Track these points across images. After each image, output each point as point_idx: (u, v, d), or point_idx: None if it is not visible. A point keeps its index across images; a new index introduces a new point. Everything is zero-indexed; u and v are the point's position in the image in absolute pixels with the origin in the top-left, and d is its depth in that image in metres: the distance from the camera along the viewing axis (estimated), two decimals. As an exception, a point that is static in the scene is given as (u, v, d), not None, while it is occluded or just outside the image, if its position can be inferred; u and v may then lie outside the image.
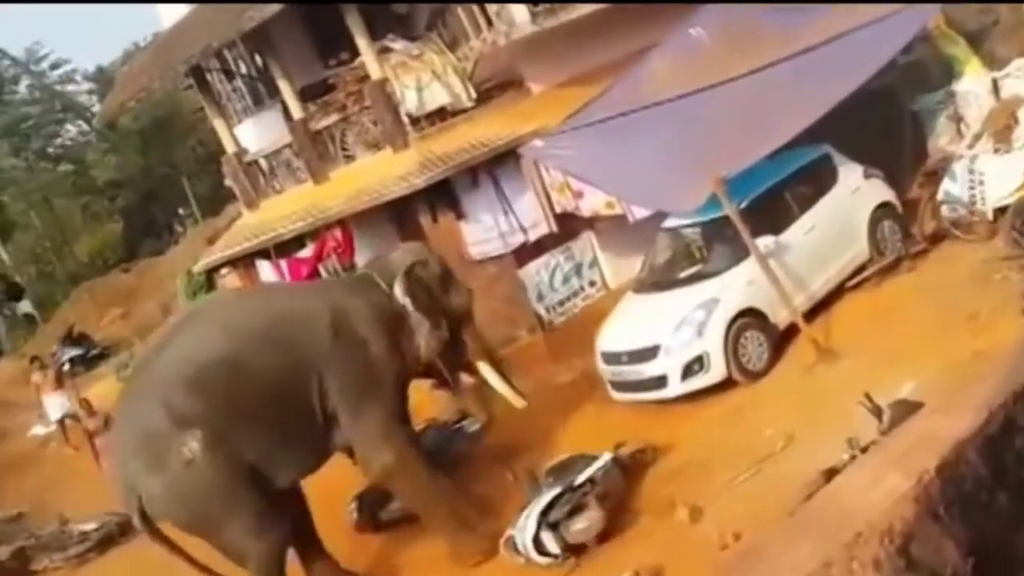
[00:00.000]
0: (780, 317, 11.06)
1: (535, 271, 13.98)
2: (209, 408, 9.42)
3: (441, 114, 14.08)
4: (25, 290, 33.43)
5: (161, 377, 9.65)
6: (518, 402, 11.20)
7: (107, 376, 22.51)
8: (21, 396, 24.96)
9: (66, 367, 26.69)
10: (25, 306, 32.64)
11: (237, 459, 9.43)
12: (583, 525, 9.44)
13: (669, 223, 12.17)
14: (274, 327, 9.95)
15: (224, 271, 18.91)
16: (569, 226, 13.85)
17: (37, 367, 20.75)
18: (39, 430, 21.96)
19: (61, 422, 19.31)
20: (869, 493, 4.67)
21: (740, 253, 11.14)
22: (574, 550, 9.44)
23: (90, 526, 14.78)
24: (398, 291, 10.40)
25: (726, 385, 10.96)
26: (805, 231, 11.48)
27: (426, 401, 13.67)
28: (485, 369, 11.16)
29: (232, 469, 9.40)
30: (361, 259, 15.94)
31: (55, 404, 19.35)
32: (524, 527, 9.51)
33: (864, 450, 7.57)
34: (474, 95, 14.09)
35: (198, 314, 10.76)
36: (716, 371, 10.90)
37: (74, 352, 27.01)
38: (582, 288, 14.30)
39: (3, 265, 36.73)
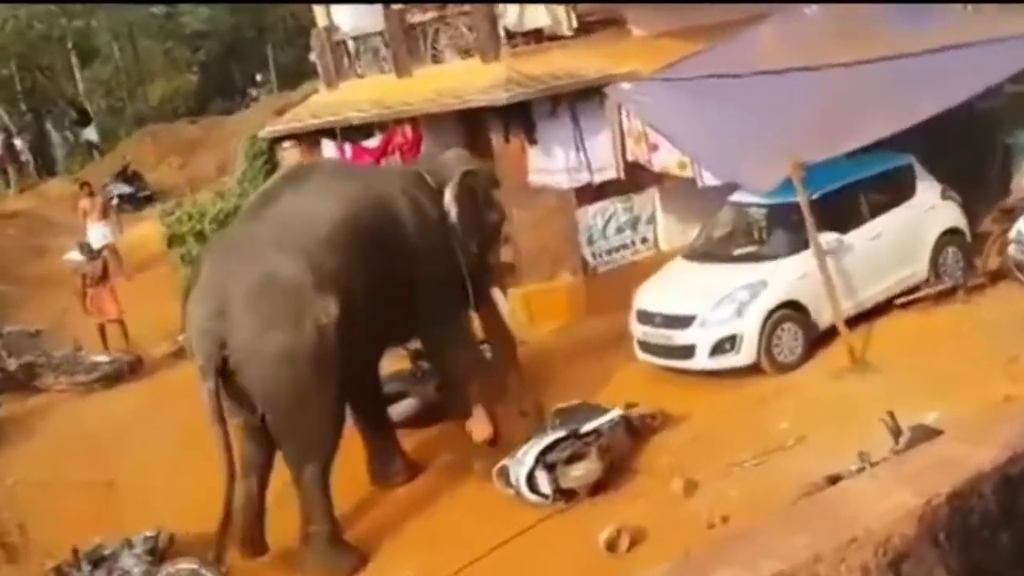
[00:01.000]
0: (823, 317, 10.86)
1: (591, 214, 13.80)
2: (344, 273, 9.04)
3: (537, 35, 13.85)
4: (92, 119, 33.58)
5: (296, 234, 9.08)
6: (520, 333, 11.38)
7: (151, 219, 22.63)
8: (65, 218, 25.29)
9: (114, 202, 27.02)
10: (90, 133, 32.75)
11: (354, 334, 9.03)
12: (579, 472, 9.45)
13: (736, 197, 11.96)
14: (377, 204, 9.77)
15: (287, 144, 18.89)
16: (636, 177, 13.62)
17: (86, 193, 20.66)
18: (75, 255, 22.19)
19: (99, 251, 19.32)
20: (875, 502, 4.57)
21: (799, 243, 10.95)
22: (564, 495, 9.47)
23: (102, 358, 14.97)
24: (448, 196, 10.27)
25: (752, 371, 10.82)
26: (870, 237, 11.26)
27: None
28: (499, 296, 11.10)
29: (348, 344, 9.01)
30: (424, 164, 15.95)
31: (98, 233, 19.31)
32: (521, 461, 9.53)
33: (874, 465, 7.48)
34: (575, 24, 13.84)
35: (299, 177, 10.02)
36: (746, 354, 10.75)
37: (125, 189, 27.17)
38: (633, 243, 14.11)
39: (75, 90, 36.96)
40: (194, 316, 8.98)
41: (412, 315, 9.84)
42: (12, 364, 15.21)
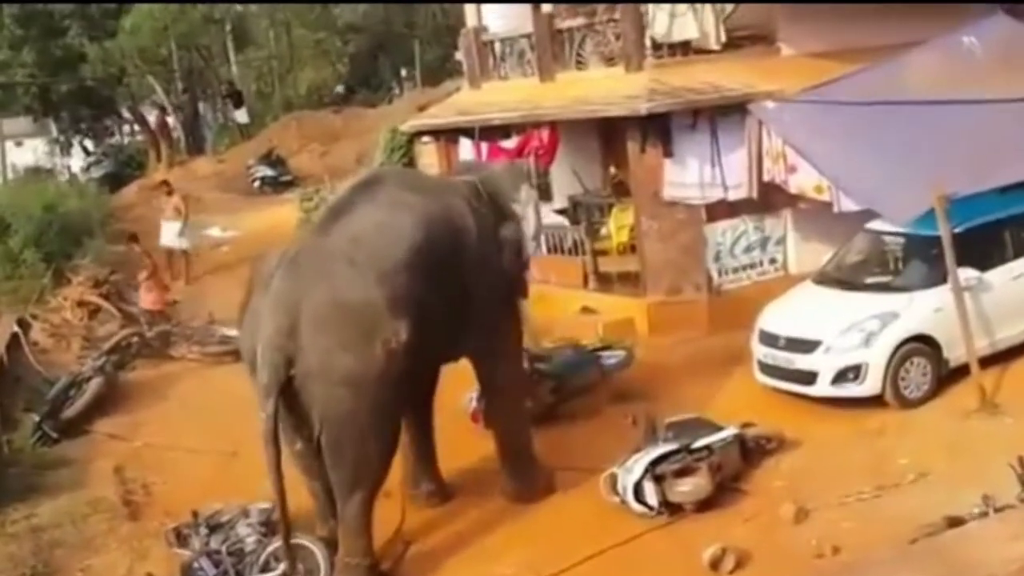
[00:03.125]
0: (955, 354, 10.56)
1: (720, 231, 13.69)
2: (415, 293, 8.82)
3: (684, 48, 13.78)
4: (244, 102, 34.67)
5: (370, 252, 8.86)
6: (537, 345, 11.34)
7: (290, 203, 23.29)
8: (208, 194, 26.24)
9: (256, 184, 27.87)
10: (241, 116, 33.77)
11: (419, 355, 8.85)
12: (687, 488, 9.40)
13: (874, 225, 11.72)
14: (446, 218, 9.53)
15: (426, 139, 19.23)
16: (770, 197, 13.46)
17: (165, 191, 20.52)
18: (215, 232, 23.00)
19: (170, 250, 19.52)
20: (1001, 548, 4.43)
21: (936, 277, 10.67)
22: (670, 508, 9.42)
23: (232, 332, 15.40)
24: (531, 216, 10.14)
25: (875, 402, 10.58)
26: (1012, 276, 10.90)
27: (572, 323, 13.79)
28: (524, 307, 10.85)
29: (413, 367, 8.91)
30: (560, 170, 16.05)
31: (172, 231, 19.51)
32: (630, 470, 9.50)
33: (998, 510, 7.26)
34: (723, 39, 13.73)
35: (370, 189, 9.63)
36: (870, 385, 10.53)
37: (267, 172, 28.01)
38: (761, 263, 13.94)
39: (229, 73, 38.20)
40: (264, 331, 8.65)
41: (469, 330, 9.60)
42: (149, 331, 15.90)
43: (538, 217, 10.41)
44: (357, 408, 8.61)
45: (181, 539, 9.50)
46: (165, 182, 21.10)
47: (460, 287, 9.32)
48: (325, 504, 9.14)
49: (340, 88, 35.84)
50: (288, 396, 8.55)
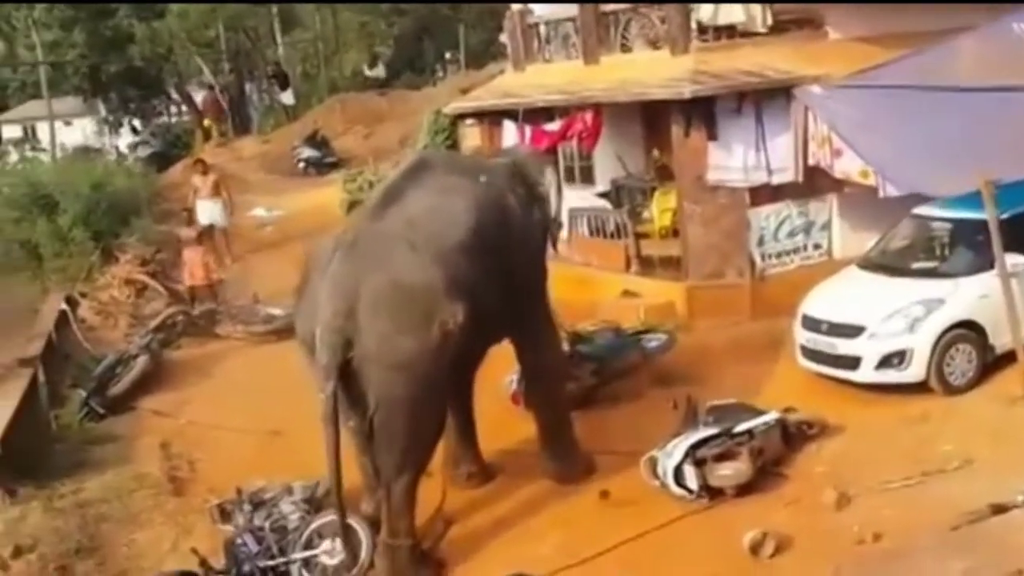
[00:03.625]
0: (1000, 341, 10.44)
1: (764, 215, 13.58)
2: (470, 275, 8.93)
3: (730, 31, 13.64)
4: (290, 83, 34.86)
5: (427, 235, 8.96)
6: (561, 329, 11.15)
7: (334, 184, 23.43)
8: (253, 174, 26.46)
9: (301, 165, 28.05)
10: (287, 97, 33.90)
11: (470, 342, 9.00)
12: (728, 472, 9.41)
13: (920, 210, 11.62)
14: (493, 201, 9.62)
15: (469, 121, 19.26)
16: (815, 182, 13.33)
17: (200, 171, 20.09)
18: (260, 212, 23.20)
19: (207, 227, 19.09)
20: (1047, 536, 4.38)
21: (983, 263, 10.54)
22: (711, 492, 9.43)
23: (277, 311, 15.58)
24: (554, 199, 10.25)
25: (919, 389, 10.50)
26: (1060, 263, 10.75)
27: (613, 306, 13.79)
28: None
29: (476, 351, 9.29)
30: (603, 153, 16.01)
31: (207, 210, 19.25)
32: (670, 453, 9.52)
33: (1042, 498, 7.22)
34: (770, 22, 13.59)
35: (420, 173, 9.70)
36: (914, 371, 10.45)
37: (312, 153, 28.16)
38: (805, 247, 13.82)
39: (276, 55, 38.42)
40: (323, 314, 8.72)
41: (513, 312, 9.65)
42: (195, 310, 16.10)
43: (560, 201, 10.44)
44: (412, 390, 8.69)
45: (225, 515, 9.64)
46: (200, 160, 20.89)
47: (506, 269, 9.38)
48: (374, 481, 9.25)
49: (374, 70, 35.79)
50: (345, 377, 8.62)
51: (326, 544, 9.00)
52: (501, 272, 9.30)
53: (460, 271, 8.88)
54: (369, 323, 8.60)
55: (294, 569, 9.02)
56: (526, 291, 9.78)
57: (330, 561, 9.01)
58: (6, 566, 9.49)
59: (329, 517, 9.14)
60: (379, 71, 35.94)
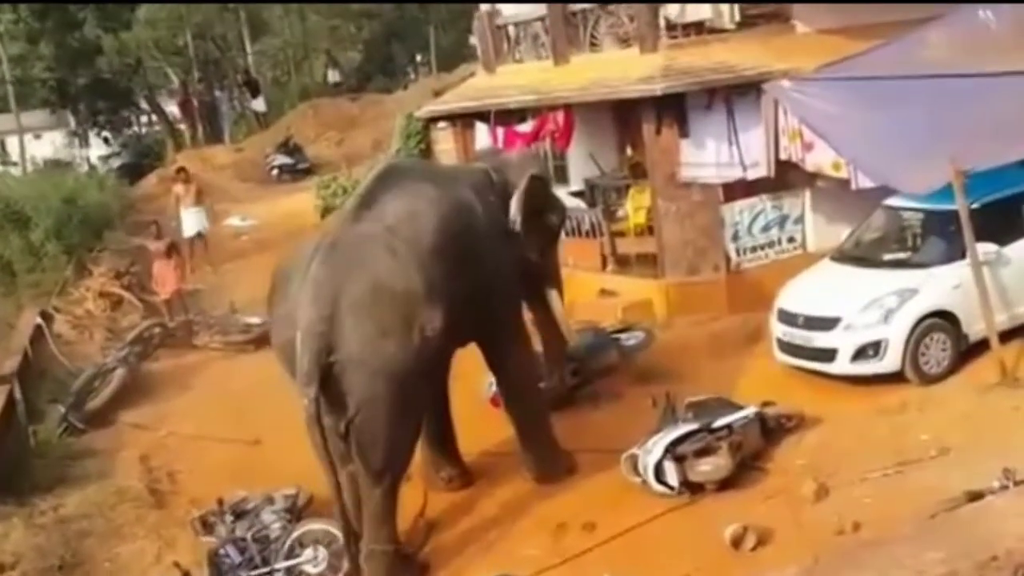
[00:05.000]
0: (974, 329, 10.55)
1: (738, 210, 13.66)
2: (445, 281, 8.93)
3: (698, 28, 13.73)
4: (260, 91, 34.76)
5: (405, 241, 8.97)
6: (571, 338, 11.05)
7: (308, 191, 23.39)
8: (226, 183, 26.36)
9: (274, 172, 28.00)
10: (258, 104, 33.85)
11: (444, 346, 9.12)
12: (708, 467, 9.44)
13: (892, 201, 11.71)
14: (463, 208, 9.65)
15: (442, 124, 19.26)
16: (787, 176, 13.43)
17: (182, 179, 20.06)
18: (235, 221, 23.13)
19: (196, 235, 19.36)
20: (1019, 522, 4.43)
21: (954, 252, 10.65)
22: (691, 488, 9.45)
23: (254, 320, 15.52)
24: (513, 206, 9.99)
25: (895, 379, 10.58)
26: (1031, 251, 10.86)
27: (591, 306, 13.83)
28: (553, 297, 10.71)
29: (446, 355, 9.33)
30: (576, 152, 16.05)
31: (192, 219, 19.33)
32: (650, 451, 9.55)
33: (1018, 483, 7.27)
34: (737, 18, 13.67)
35: (394, 179, 9.69)
36: (889, 362, 10.53)
37: (285, 160, 28.15)
38: (779, 241, 13.92)
39: (245, 62, 38.31)
40: (304, 318, 8.67)
41: (480, 316, 9.60)
42: (172, 321, 16.02)
43: (519, 206, 10.11)
44: (392, 394, 8.69)
45: (207, 527, 9.59)
46: (182, 169, 20.79)
47: (474, 273, 9.39)
48: (351, 488, 9.10)
49: (332, 74, 35.66)
50: (325, 381, 8.58)
51: (308, 552, 8.98)
52: (470, 277, 9.30)
53: (436, 276, 8.91)
54: (351, 327, 8.60)
55: None
56: (494, 297, 9.76)
57: (313, 569, 8.98)
58: (-12, 584, 9.44)
59: (310, 526, 9.14)
60: (336, 75, 35.87)
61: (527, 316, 10.73)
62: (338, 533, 8.92)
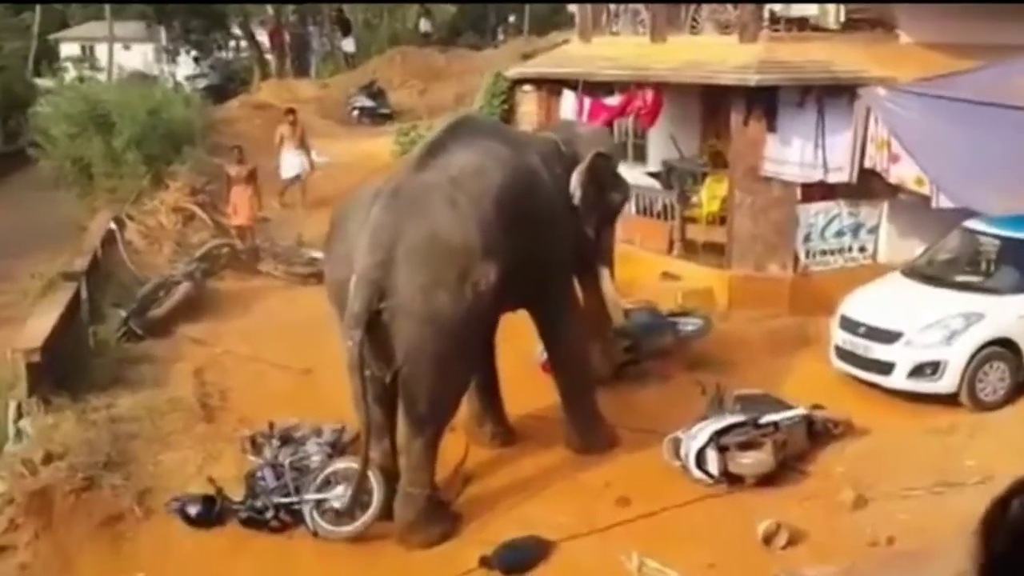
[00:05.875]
0: (1036, 362, 10.46)
1: (813, 212, 13.57)
2: (502, 238, 8.94)
3: (801, 24, 13.61)
4: (352, 30, 34.87)
5: (467, 194, 9.01)
6: (618, 317, 10.96)
7: (385, 136, 23.51)
8: (307, 117, 26.49)
9: (355, 114, 28.14)
10: (347, 44, 33.94)
11: (503, 302, 9.23)
12: (750, 461, 9.47)
13: (970, 224, 11.59)
14: (527, 171, 9.70)
15: (528, 87, 19.26)
16: (868, 184, 13.29)
17: (289, 120, 19.79)
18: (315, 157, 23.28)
19: (295, 177, 19.34)
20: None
21: (1028, 284, 10.55)
22: (730, 479, 9.49)
23: (318, 255, 15.64)
24: (575, 179, 10.02)
25: (948, 401, 10.54)
26: (1104, 289, 10.71)
27: (652, 287, 13.84)
28: (605, 275, 10.69)
29: (495, 313, 9.40)
30: (658, 133, 16.00)
31: (293, 161, 19.28)
32: (695, 436, 9.59)
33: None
34: (842, 19, 13.52)
35: (463, 133, 9.71)
36: (946, 383, 10.49)
37: (367, 103, 28.23)
38: (850, 249, 13.81)
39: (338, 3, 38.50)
40: (360, 262, 8.70)
41: (534, 282, 9.65)
42: (240, 244, 16.27)
43: (580, 180, 10.09)
44: (441, 346, 8.74)
45: (256, 447, 9.72)
46: (291, 111, 20.44)
47: (530, 239, 9.33)
48: (382, 429, 9.24)
49: (425, 25, 35.64)
50: (373, 326, 8.65)
51: (339, 489, 9.01)
52: (527, 241, 9.28)
53: (495, 232, 8.94)
54: (405, 275, 8.64)
55: (305, 509, 9.06)
56: (551, 265, 9.81)
57: (339, 506, 9.02)
58: (35, 470, 9.68)
59: (346, 463, 9.21)
60: (427, 25, 35.83)
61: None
62: (371, 475, 8.95)
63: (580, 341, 10.55)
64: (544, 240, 9.59)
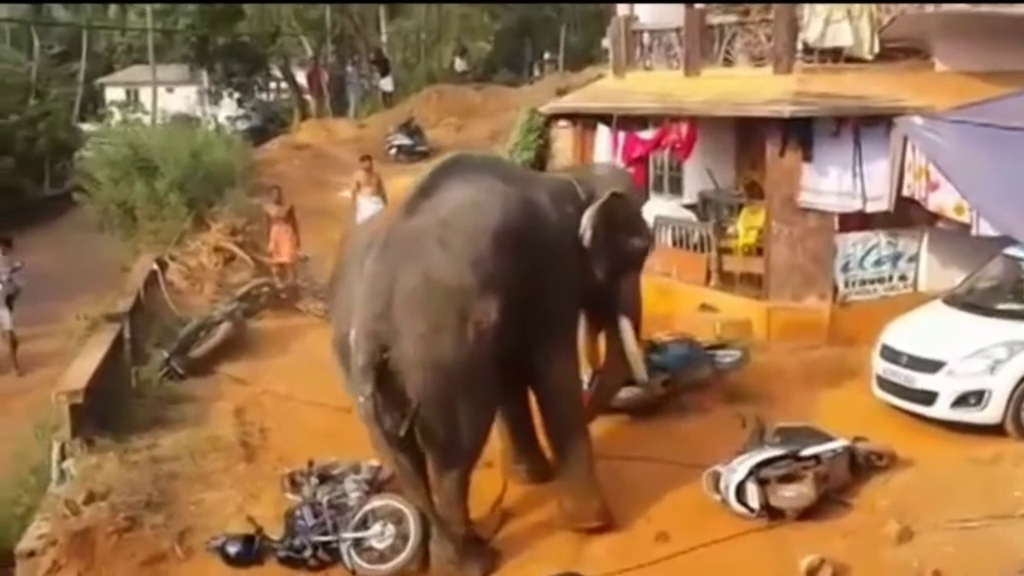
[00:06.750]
0: (1083, 391, 10.28)
1: (852, 242, 13.49)
2: (501, 275, 8.71)
3: (835, 55, 13.59)
4: (390, 70, 35.23)
5: (459, 234, 8.75)
6: (639, 373, 10.34)
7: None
8: (346, 156, 26.78)
9: (392, 152, 28.37)
10: (386, 84, 34.18)
11: (506, 341, 8.77)
12: (791, 494, 9.34)
13: (1012, 251, 11.45)
14: (529, 208, 9.34)
15: (563, 123, 19.34)
16: (906, 213, 13.21)
17: (365, 167, 19.22)
18: (347, 194, 23.45)
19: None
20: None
21: (1072, 310, 10.39)
22: (771, 513, 9.37)
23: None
24: (585, 220, 9.57)
25: (993, 431, 10.37)
26: None
27: (690, 319, 13.78)
28: (626, 327, 10.11)
29: (501, 352, 8.80)
30: (693, 165, 16.01)
31: (370, 208, 18.29)
32: (734, 470, 9.49)
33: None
34: (877, 49, 13.49)
35: (454, 172, 9.38)
36: (990, 413, 10.33)
37: (405, 141, 28.41)
38: (890, 278, 13.70)
39: (378, 40, 38.92)
40: (359, 316, 8.58)
41: (535, 323, 9.22)
42: (279, 283, 16.43)
43: (591, 221, 9.68)
44: (450, 390, 8.60)
45: (295, 485, 9.68)
46: (367, 157, 19.82)
47: (531, 278, 9.03)
48: (413, 475, 9.08)
49: (460, 63, 35.91)
50: (382, 378, 8.52)
51: (376, 528, 8.98)
52: (528, 278, 8.99)
53: (492, 269, 8.70)
54: (405, 323, 8.50)
55: (343, 548, 9.02)
56: (550, 307, 9.34)
57: (378, 544, 8.97)
58: (78, 511, 9.77)
59: (384, 501, 9.16)
60: (463, 64, 36.06)
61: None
62: (409, 513, 8.92)
63: (572, 389, 9.82)
64: (547, 279, 9.23)
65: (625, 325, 10.17)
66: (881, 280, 13.67)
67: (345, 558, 9.03)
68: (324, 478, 9.69)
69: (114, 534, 9.51)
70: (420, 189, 9.22)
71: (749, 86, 13.85)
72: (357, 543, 9.03)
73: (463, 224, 8.82)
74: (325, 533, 9.16)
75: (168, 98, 45.04)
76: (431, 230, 8.77)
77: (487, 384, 8.93)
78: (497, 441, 9.87)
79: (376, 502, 9.22)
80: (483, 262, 8.68)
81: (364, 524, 9.08)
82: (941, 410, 10.54)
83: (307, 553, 9.13)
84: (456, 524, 8.97)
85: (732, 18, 14.77)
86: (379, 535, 8.99)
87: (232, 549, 9.25)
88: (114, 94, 49.39)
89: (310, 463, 9.81)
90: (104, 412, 11.30)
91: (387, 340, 8.49)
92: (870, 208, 13.18)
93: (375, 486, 9.66)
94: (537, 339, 9.35)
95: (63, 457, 10.62)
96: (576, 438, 9.71)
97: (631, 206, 10.18)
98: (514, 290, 8.80)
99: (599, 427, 10.53)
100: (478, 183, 9.22)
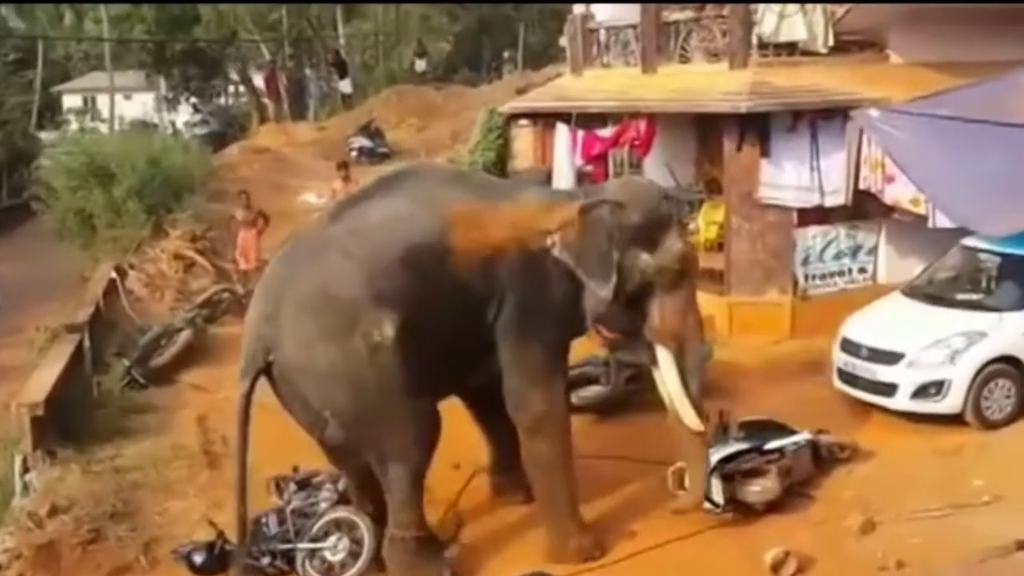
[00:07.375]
0: (1041, 378, 10.41)
1: (811, 235, 13.60)
2: (410, 295, 8.33)
3: (790, 49, 13.71)
4: (349, 72, 35.07)
5: (367, 244, 8.46)
6: (688, 419, 9.01)
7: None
8: (305, 160, 26.69)
9: (353, 154, 28.25)
10: (345, 86, 34.05)
11: (418, 357, 8.30)
12: (756, 488, 9.39)
13: (970, 242, 11.58)
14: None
15: (523, 122, 19.33)
16: (864, 206, 13.34)
17: (342, 176, 18.64)
18: (310, 198, 23.37)
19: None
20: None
21: (1029, 300, 10.51)
22: (736, 507, 9.40)
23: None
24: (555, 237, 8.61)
25: (954, 421, 10.48)
26: (1106, 303, 10.67)
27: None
28: (664, 359, 8.98)
29: (412, 367, 8.29)
30: (653, 162, 16.03)
31: None
32: (699, 466, 9.49)
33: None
34: (831, 42, 13.61)
35: (397, 181, 9.04)
36: (950, 403, 10.43)
37: (365, 143, 28.30)
38: (850, 271, 13.83)
39: (336, 43, 38.75)
40: (250, 315, 8.56)
41: (482, 347, 8.77)
42: (241, 289, 16.29)
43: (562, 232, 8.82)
44: (355, 401, 8.35)
45: (279, 490, 9.47)
46: (344, 165, 19.47)
47: (462, 300, 8.63)
48: (357, 482, 9.06)
49: (420, 63, 35.85)
50: (272, 380, 8.49)
51: (332, 539, 8.86)
52: (448, 302, 8.54)
53: (394, 284, 8.34)
54: (288, 328, 8.32)
55: (299, 557, 8.87)
56: (508, 338, 8.80)
57: (332, 557, 8.87)
58: (41, 524, 9.67)
59: (343, 512, 9.03)
60: (423, 65, 35.96)
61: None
62: (360, 521, 8.79)
63: (550, 428, 9.01)
64: (506, 303, 8.71)
65: (664, 356, 8.97)
66: (841, 273, 13.79)
67: (299, 568, 8.89)
68: (303, 485, 9.54)
69: (79, 546, 9.44)
70: (354, 196, 9.19)
71: (706, 82, 13.92)
72: (312, 553, 8.90)
73: (374, 236, 8.51)
74: (288, 541, 9.02)
75: (126, 105, 44.60)
76: (339, 239, 8.55)
77: (406, 396, 8.42)
78: (463, 442, 9.81)
79: (336, 513, 9.09)
80: (384, 276, 8.35)
81: (325, 534, 8.94)
82: (902, 401, 10.64)
83: (265, 561, 8.96)
84: (408, 528, 8.74)
85: (688, 15, 14.84)
86: (333, 548, 8.89)
87: (198, 558, 9.12)
88: (72, 101, 48.77)
89: (295, 469, 9.65)
90: (66, 423, 11.19)
91: (271, 344, 8.35)
92: (828, 202, 13.28)
93: (344, 496, 9.54)
94: (493, 365, 8.85)
95: (25, 470, 10.52)
96: (553, 478, 9.08)
97: (633, 218, 8.77)
98: (429, 309, 8.41)
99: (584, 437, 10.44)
100: (418, 196, 8.78)
